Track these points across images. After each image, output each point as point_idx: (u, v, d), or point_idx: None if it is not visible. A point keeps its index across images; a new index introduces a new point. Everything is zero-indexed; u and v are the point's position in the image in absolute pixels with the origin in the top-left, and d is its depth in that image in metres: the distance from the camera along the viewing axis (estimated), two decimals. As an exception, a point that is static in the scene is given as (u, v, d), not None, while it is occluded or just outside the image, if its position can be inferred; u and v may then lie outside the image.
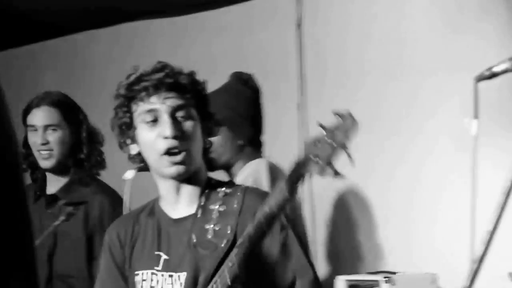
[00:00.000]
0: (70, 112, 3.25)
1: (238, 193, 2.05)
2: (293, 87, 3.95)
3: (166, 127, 2.00)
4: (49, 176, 3.24)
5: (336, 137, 1.82)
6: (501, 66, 1.91)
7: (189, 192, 2.08)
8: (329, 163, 1.82)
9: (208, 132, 2.12)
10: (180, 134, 2.01)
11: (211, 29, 4.31)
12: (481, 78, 1.93)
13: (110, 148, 2.78)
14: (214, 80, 3.32)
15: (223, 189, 2.08)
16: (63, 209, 2.73)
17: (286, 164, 3.14)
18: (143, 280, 2.07)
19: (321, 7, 3.95)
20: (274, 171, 2.99)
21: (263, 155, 3.12)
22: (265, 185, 2.93)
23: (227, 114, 3.00)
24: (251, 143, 3.08)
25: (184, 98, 2.04)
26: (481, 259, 1.61)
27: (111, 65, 4.49)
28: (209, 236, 1.94)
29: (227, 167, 3.04)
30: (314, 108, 3.92)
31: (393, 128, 3.70)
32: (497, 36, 3.37)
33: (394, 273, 3.20)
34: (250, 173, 2.95)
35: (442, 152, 3.53)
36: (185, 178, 2.05)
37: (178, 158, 2.01)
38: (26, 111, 3.23)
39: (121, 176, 2.21)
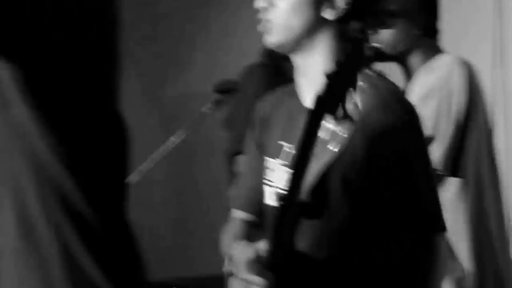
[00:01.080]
0: None
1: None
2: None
3: None
4: None
5: None
6: None
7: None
8: None
9: None
10: None
11: None
12: None
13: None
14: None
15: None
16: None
17: (479, 61, 2.90)
18: (268, 168, 1.86)
19: None
20: (471, 75, 2.78)
21: (440, 45, 2.88)
22: (458, 90, 2.72)
23: (400, 2, 2.82)
24: (428, 31, 2.86)
25: None
26: None
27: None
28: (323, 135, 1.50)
29: (402, 59, 2.84)
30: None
31: None
32: None
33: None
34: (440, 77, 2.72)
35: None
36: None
37: None
38: None
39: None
